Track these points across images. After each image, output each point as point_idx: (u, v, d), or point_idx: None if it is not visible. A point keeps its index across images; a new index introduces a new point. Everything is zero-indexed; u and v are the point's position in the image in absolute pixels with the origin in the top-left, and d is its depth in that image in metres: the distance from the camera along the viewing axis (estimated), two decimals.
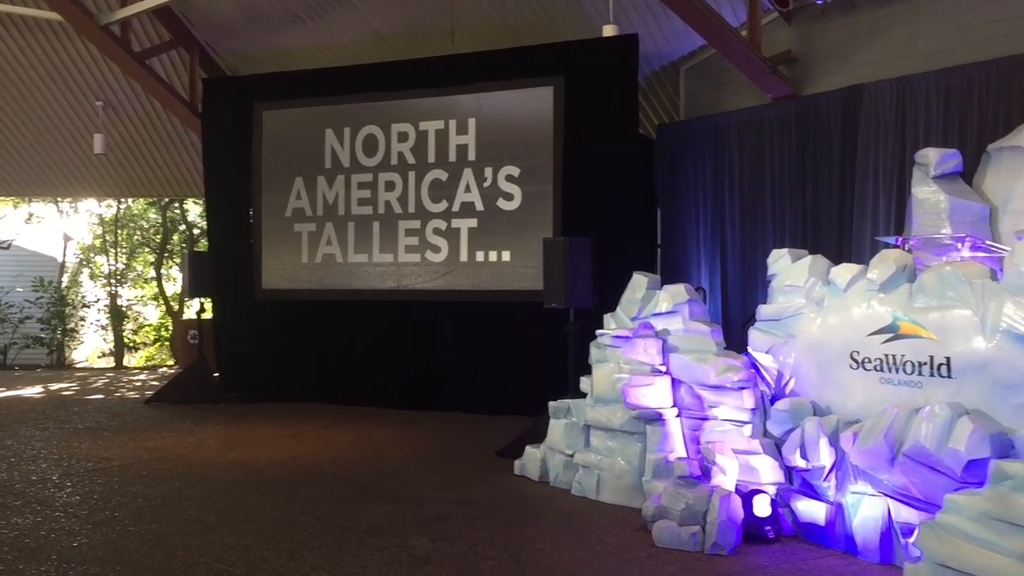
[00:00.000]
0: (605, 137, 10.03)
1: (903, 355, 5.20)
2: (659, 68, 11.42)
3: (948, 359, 4.95)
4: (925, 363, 5.07)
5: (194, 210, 20.30)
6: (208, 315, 12.42)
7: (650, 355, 6.54)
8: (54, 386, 13.88)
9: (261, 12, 12.33)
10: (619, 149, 10.07)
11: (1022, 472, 4.17)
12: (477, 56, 10.92)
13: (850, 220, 8.63)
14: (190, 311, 18.56)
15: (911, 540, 4.74)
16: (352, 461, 7.99)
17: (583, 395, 7.22)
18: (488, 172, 10.72)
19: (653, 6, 10.20)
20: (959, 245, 5.83)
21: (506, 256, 10.58)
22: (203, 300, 12.37)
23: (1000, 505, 4.17)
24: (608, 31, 9.97)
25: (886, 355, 5.30)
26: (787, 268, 6.24)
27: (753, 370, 6.15)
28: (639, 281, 7.11)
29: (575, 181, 10.21)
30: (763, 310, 6.32)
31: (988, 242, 5.99)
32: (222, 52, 13.57)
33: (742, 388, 6.03)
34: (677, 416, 6.37)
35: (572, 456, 6.94)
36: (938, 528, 4.41)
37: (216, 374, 12.19)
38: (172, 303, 20.25)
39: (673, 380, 6.44)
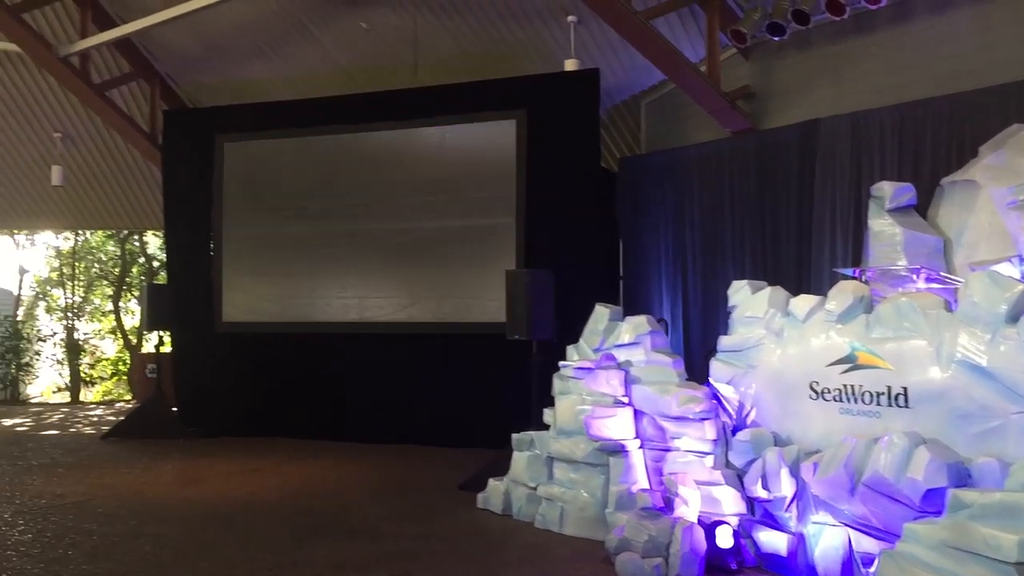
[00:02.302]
0: (567, 170, 10.11)
1: (861, 385, 5.25)
2: (620, 102, 11.55)
3: (905, 389, 5.01)
4: (883, 393, 5.12)
5: (154, 242, 20.10)
6: (167, 349, 12.26)
7: (612, 386, 6.55)
8: (7, 422, 13.59)
9: (222, 44, 12.31)
10: (581, 182, 10.15)
11: (979, 501, 4.22)
12: (440, 89, 10.97)
13: (808, 252, 8.74)
14: (148, 345, 18.32)
15: (871, 570, 4.76)
16: (313, 496, 7.89)
17: (546, 427, 7.21)
18: (451, 204, 10.73)
19: (614, 41, 10.33)
20: (915, 276, 5.92)
21: (469, 288, 10.57)
22: (162, 334, 12.21)
23: (958, 534, 4.21)
24: (570, 65, 10.13)
25: (845, 385, 5.35)
26: (747, 299, 6.29)
27: (715, 401, 6.18)
28: (601, 313, 7.14)
29: (538, 213, 10.27)
30: (724, 341, 6.36)
31: (943, 274, 6.09)
32: (183, 84, 13.50)
33: (704, 419, 6.05)
34: (640, 447, 6.37)
35: (535, 489, 6.90)
36: (898, 557, 4.44)
37: (174, 408, 12.00)
38: (130, 337, 19.96)
39: (635, 411, 6.45)
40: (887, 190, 6.97)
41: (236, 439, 11.09)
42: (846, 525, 5.10)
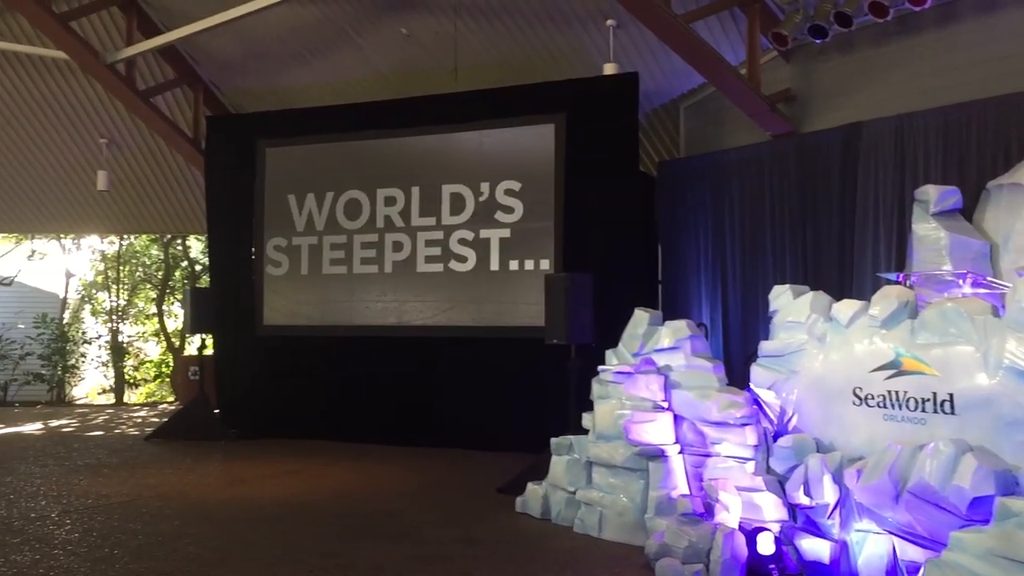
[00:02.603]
0: (606, 174, 10.08)
1: (906, 391, 5.18)
2: (659, 106, 11.51)
3: (951, 395, 4.94)
4: (928, 399, 5.06)
5: (196, 246, 20.36)
6: (209, 351, 12.41)
7: (652, 391, 6.53)
8: (54, 423, 13.84)
9: (265, 50, 12.46)
10: (620, 186, 10.11)
11: None
12: (479, 94, 11.01)
13: (850, 256, 8.65)
14: (191, 347, 18.55)
15: None
16: (353, 498, 7.95)
17: (585, 431, 7.19)
18: (489, 209, 10.76)
19: (653, 45, 10.31)
20: (960, 281, 5.84)
21: (507, 292, 10.59)
22: (204, 336, 12.37)
23: (1006, 543, 4.14)
24: (609, 69, 10.12)
25: (889, 391, 5.29)
26: (788, 304, 6.24)
27: (756, 406, 6.13)
28: (641, 317, 7.12)
29: (576, 218, 10.26)
30: (765, 346, 6.31)
31: (989, 279, 6.00)
32: (226, 90, 13.69)
33: (745, 424, 6.00)
34: (679, 453, 6.34)
35: (574, 493, 6.89)
36: (944, 566, 4.37)
37: (216, 410, 12.15)
38: (173, 339, 20.23)
39: (675, 416, 6.42)
40: (932, 194, 6.88)
41: (276, 441, 11.20)
42: (890, 533, 5.04)
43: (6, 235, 19.35)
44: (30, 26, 12.22)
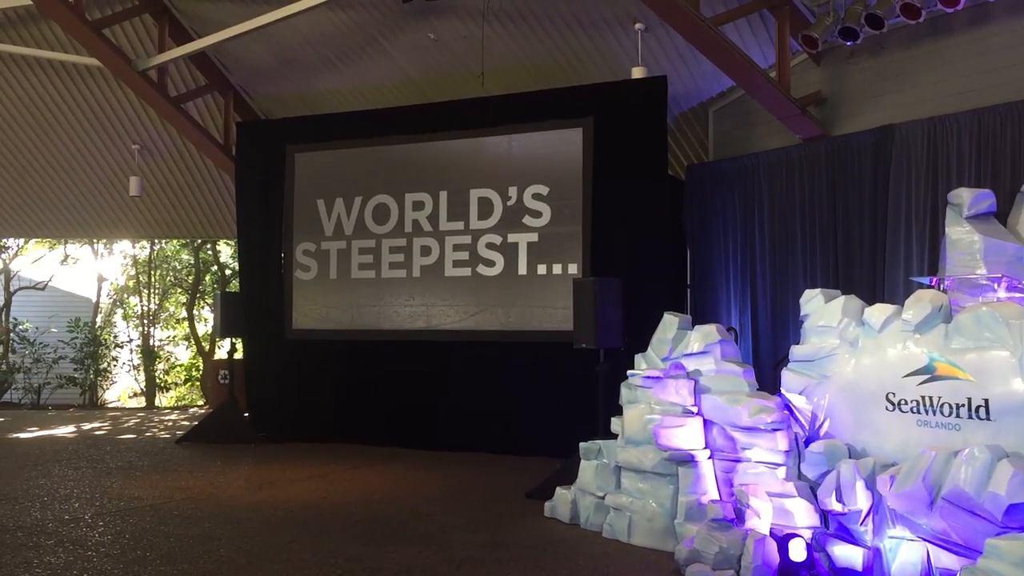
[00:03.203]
0: (635, 177, 10.05)
1: (940, 397, 5.13)
2: (688, 109, 11.46)
3: (986, 401, 4.88)
4: (963, 405, 5.00)
5: (226, 251, 20.53)
6: (239, 355, 12.49)
7: (682, 396, 6.50)
8: (87, 426, 13.99)
9: (294, 57, 12.55)
10: (649, 189, 10.07)
11: None
12: (507, 98, 11.03)
13: (882, 261, 8.57)
14: (221, 351, 18.69)
15: None
16: (381, 502, 7.97)
17: (614, 436, 7.17)
18: (516, 213, 10.76)
19: (682, 48, 10.28)
20: (995, 286, 5.77)
21: (535, 296, 10.59)
22: (234, 340, 12.46)
23: None
24: (637, 73, 10.10)
25: (922, 397, 5.23)
26: (820, 308, 6.19)
27: (787, 411, 6.08)
28: (670, 321, 7.09)
29: (604, 221, 10.23)
30: (796, 351, 6.26)
31: None
32: (255, 96, 13.81)
33: (776, 430, 5.96)
34: (709, 458, 6.31)
35: (603, 498, 6.87)
36: (979, 574, 4.32)
37: (246, 414, 12.23)
38: (203, 343, 20.41)
39: (705, 421, 6.38)
40: (965, 197, 6.79)
41: (305, 444, 11.26)
42: (924, 540, 4.98)
43: (40, 240, 19.61)
44: (63, 33, 12.39)
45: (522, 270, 10.72)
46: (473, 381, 10.82)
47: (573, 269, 10.34)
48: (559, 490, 7.37)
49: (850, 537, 5.47)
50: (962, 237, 6.67)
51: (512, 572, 5.76)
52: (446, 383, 10.98)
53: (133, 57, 12.34)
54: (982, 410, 4.90)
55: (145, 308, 20.52)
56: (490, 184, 10.98)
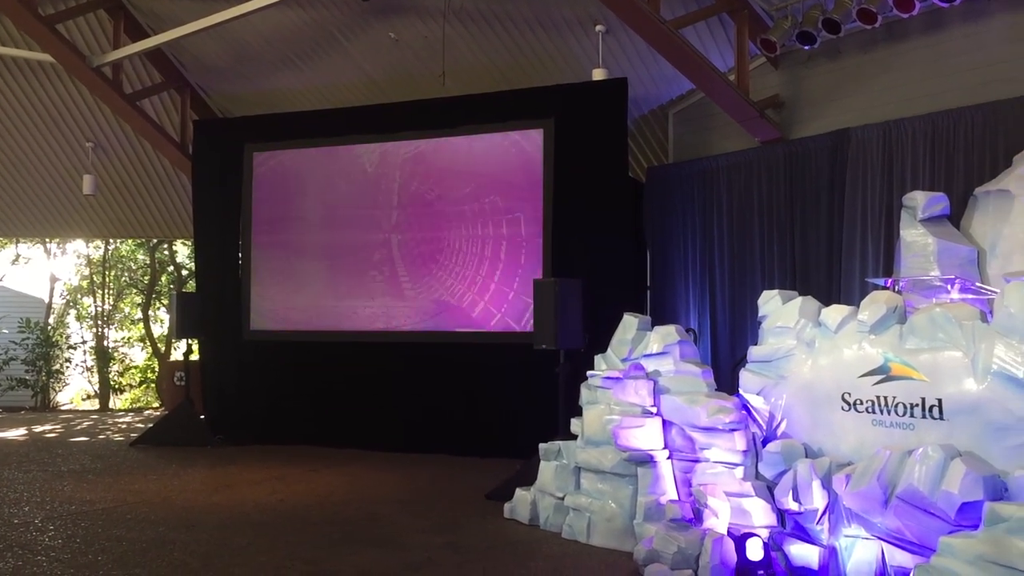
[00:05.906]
0: (595, 179, 10.08)
1: (895, 397, 5.19)
2: (648, 111, 11.51)
3: (940, 401, 4.95)
4: (917, 405, 5.06)
5: (182, 251, 20.27)
6: (195, 357, 12.34)
7: (641, 396, 6.52)
8: (38, 428, 13.72)
9: (252, 55, 12.42)
10: (609, 191, 10.11)
11: (1017, 515, 4.15)
12: (467, 99, 11.00)
13: (839, 262, 8.66)
14: (177, 353, 18.44)
15: None
16: (339, 504, 7.90)
17: (574, 437, 7.18)
18: (477, 214, 10.74)
19: (642, 50, 10.32)
20: (948, 287, 5.85)
21: (496, 298, 10.56)
22: (190, 341, 12.29)
23: (996, 548, 4.15)
24: (598, 75, 10.12)
25: (878, 397, 5.29)
26: (778, 309, 6.24)
27: (744, 412, 6.13)
28: (630, 322, 7.11)
29: (565, 223, 10.24)
30: (754, 351, 6.31)
31: (977, 284, 6.02)
32: (213, 94, 13.64)
33: (734, 430, 6.00)
34: (668, 458, 6.33)
35: (562, 499, 6.87)
36: (933, 572, 4.38)
37: (202, 416, 12.07)
38: (159, 344, 20.12)
39: (664, 422, 6.41)
40: (920, 200, 6.90)
41: (263, 447, 11.13)
42: (879, 538, 5.04)
43: None
44: (15, 28, 12.14)
45: (483, 271, 10.69)
46: (432, 383, 10.77)
47: (534, 270, 10.33)
48: (519, 491, 7.36)
49: (806, 536, 5.51)
50: (916, 239, 6.78)
51: (471, 574, 5.73)
52: (405, 384, 10.92)
53: (87, 53, 12.12)
54: (936, 410, 4.96)
55: (99, 309, 20.18)
56: (451, 185, 10.94)
